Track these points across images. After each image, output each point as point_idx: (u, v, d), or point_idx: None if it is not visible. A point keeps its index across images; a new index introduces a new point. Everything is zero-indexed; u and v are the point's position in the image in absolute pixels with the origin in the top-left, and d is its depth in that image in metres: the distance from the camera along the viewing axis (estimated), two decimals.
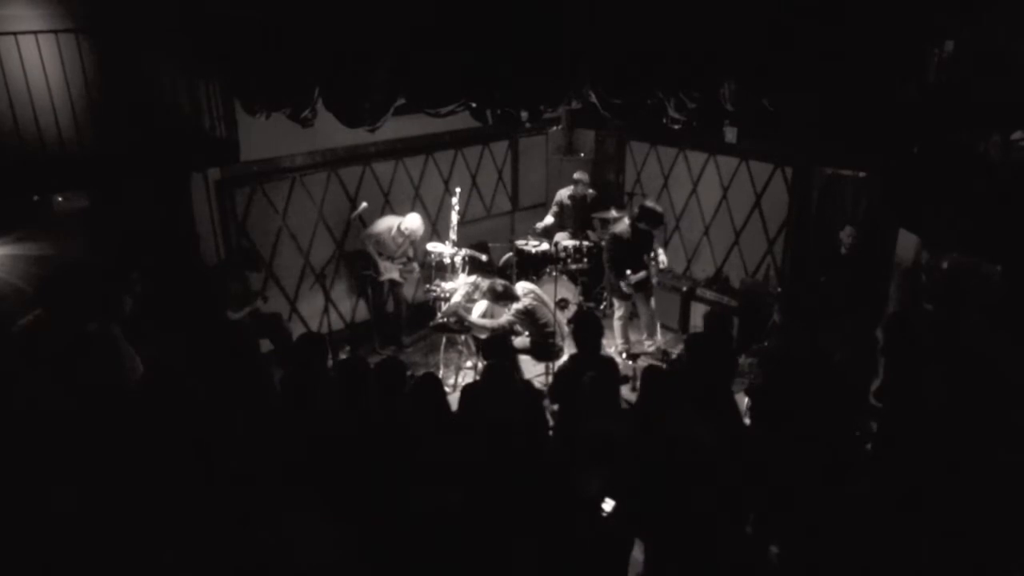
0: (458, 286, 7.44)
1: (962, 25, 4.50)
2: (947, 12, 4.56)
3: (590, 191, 8.98)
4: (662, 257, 7.48)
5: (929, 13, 4.57)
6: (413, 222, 7.65)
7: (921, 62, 4.76)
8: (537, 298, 6.70)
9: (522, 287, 6.82)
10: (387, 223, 7.71)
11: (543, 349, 6.75)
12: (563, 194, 8.97)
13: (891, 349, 4.85)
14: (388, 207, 8.33)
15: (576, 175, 8.87)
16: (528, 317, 6.58)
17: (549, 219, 9.03)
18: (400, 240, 7.72)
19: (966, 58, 4.54)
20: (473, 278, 7.50)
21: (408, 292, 8.50)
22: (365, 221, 7.93)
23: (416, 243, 7.92)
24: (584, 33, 5.04)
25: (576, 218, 8.96)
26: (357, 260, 7.92)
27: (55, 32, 5.24)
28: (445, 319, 7.03)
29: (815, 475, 3.89)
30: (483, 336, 6.61)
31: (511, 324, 6.59)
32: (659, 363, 7.55)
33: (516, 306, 6.58)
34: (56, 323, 4.80)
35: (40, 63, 5.22)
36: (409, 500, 3.91)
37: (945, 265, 5.51)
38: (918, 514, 3.52)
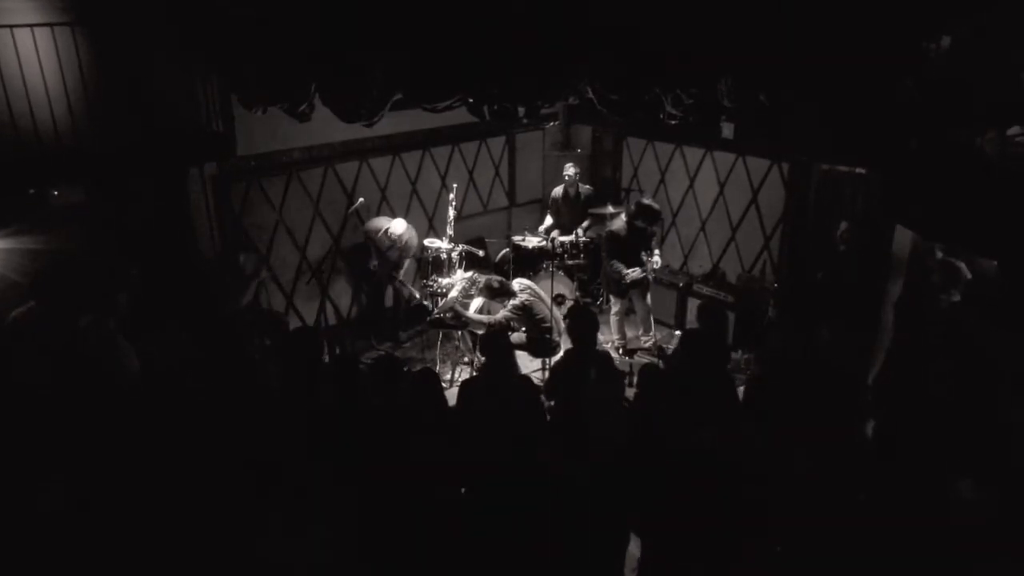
0: (455, 282, 7.44)
1: (961, 21, 4.50)
2: (946, 8, 4.57)
3: (585, 187, 8.95)
4: (656, 258, 7.48)
5: (928, 8, 4.57)
6: (399, 227, 7.55)
7: (918, 58, 4.76)
8: (534, 294, 6.71)
9: (518, 283, 6.82)
10: (378, 224, 7.68)
11: (540, 345, 6.75)
12: (557, 192, 8.97)
13: (899, 343, 4.85)
14: (385, 203, 8.32)
15: (567, 166, 8.81)
16: (525, 313, 6.58)
17: (549, 220, 9.00)
18: (387, 243, 7.66)
19: (964, 54, 4.54)
20: (470, 274, 7.51)
21: (404, 291, 8.45)
22: (362, 216, 7.92)
23: (404, 249, 7.72)
24: (582, 28, 5.03)
25: (570, 215, 8.94)
26: (357, 254, 7.90)
27: (51, 25, 5.22)
28: (442, 315, 7.02)
29: (814, 472, 3.90)
30: (480, 332, 6.61)
31: (508, 320, 6.60)
32: (655, 359, 7.57)
33: (513, 302, 6.59)
34: (49, 316, 4.80)
35: (36, 57, 5.20)
36: (406, 496, 3.92)
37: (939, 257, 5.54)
38: (918, 510, 3.53)
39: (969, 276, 5.25)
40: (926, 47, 4.69)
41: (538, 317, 6.64)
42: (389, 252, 7.73)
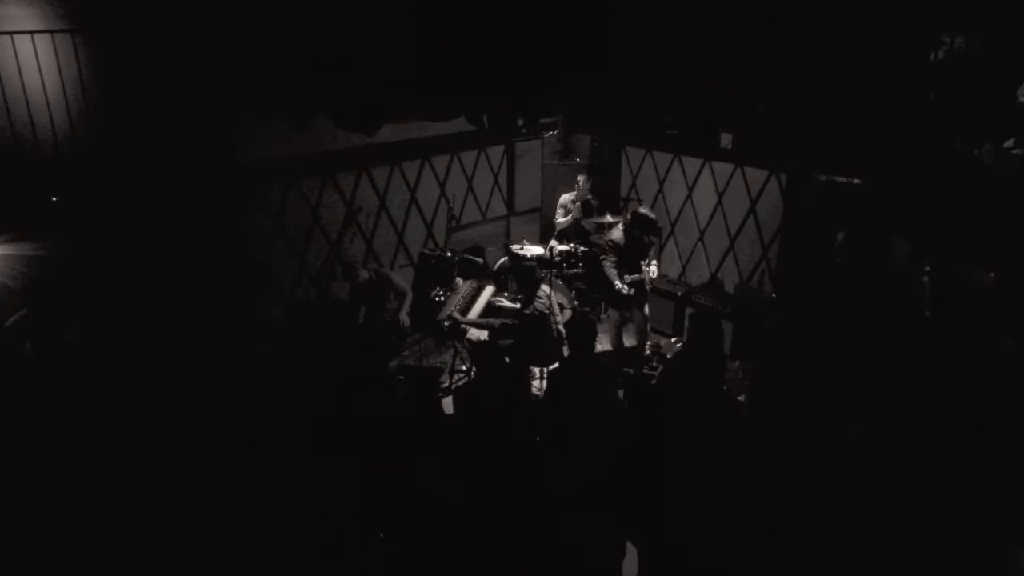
0: (453, 290, 7.44)
1: (962, 26, 4.52)
2: (948, 14, 4.59)
3: (590, 197, 8.96)
4: (653, 268, 7.47)
5: (930, 14, 4.59)
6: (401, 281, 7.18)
7: (923, 65, 4.77)
8: (548, 306, 6.66)
9: (543, 290, 6.77)
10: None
11: (541, 355, 6.73)
12: (566, 198, 8.94)
13: (893, 353, 4.86)
14: (384, 211, 8.33)
15: (579, 178, 8.83)
16: (536, 322, 6.54)
17: (566, 221, 8.92)
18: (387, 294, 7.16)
19: (969, 60, 4.55)
20: (468, 282, 7.50)
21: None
22: (360, 225, 7.92)
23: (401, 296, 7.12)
24: (583, 40, 5.05)
25: (575, 225, 8.93)
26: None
27: (51, 32, 5.24)
28: (441, 323, 7.02)
29: (808, 481, 3.90)
30: (482, 337, 6.60)
31: (506, 325, 6.58)
32: (651, 369, 7.56)
33: (534, 306, 6.55)
34: (43, 323, 4.84)
35: (36, 63, 5.22)
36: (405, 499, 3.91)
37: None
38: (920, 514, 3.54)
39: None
40: (936, 50, 4.69)
41: (549, 329, 6.60)
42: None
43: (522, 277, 6.75)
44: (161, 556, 3.82)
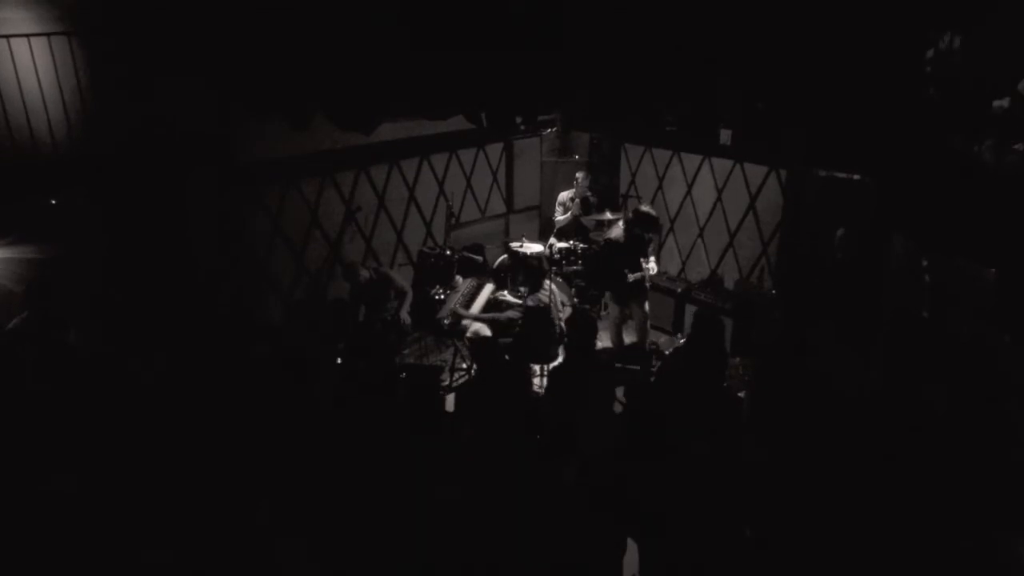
0: (453, 287, 7.44)
1: (964, 24, 4.51)
2: (946, 13, 4.58)
3: (588, 194, 8.95)
4: (652, 265, 7.47)
5: (928, 13, 4.59)
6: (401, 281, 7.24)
7: (919, 62, 4.76)
8: (551, 298, 6.67)
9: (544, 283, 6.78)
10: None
11: (540, 352, 6.73)
12: (564, 196, 8.93)
13: (892, 352, 4.86)
14: (383, 210, 8.32)
15: (578, 174, 8.83)
16: (542, 314, 6.55)
17: (566, 216, 8.90)
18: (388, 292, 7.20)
19: (967, 57, 4.54)
20: (468, 280, 7.50)
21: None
22: (360, 224, 7.91)
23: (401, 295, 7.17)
24: (582, 38, 5.04)
25: (575, 222, 8.93)
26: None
27: (47, 35, 5.23)
28: (441, 320, 7.02)
29: (807, 478, 3.90)
30: (482, 333, 6.61)
31: (513, 320, 6.58)
32: (652, 364, 7.57)
33: (531, 301, 6.55)
34: (43, 325, 4.84)
35: (33, 66, 5.21)
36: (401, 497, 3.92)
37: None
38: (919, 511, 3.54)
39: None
40: (932, 46, 4.68)
41: (551, 324, 6.60)
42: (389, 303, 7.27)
43: (531, 272, 6.76)
44: (160, 557, 3.82)
